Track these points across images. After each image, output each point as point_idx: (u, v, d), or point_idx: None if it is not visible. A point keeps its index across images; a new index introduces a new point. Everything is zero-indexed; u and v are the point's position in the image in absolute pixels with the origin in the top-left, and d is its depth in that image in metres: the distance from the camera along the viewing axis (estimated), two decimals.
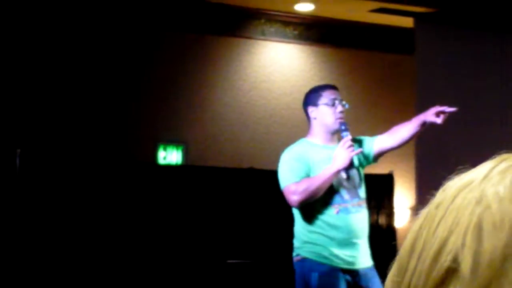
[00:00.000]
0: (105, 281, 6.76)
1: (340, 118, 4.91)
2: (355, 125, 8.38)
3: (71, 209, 6.81)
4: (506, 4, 7.44)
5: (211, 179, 7.33)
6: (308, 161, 4.91)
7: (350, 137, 4.83)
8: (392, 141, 4.97)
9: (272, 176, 7.50)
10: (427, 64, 7.35)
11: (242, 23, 8.19)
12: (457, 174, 0.62)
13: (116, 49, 7.70)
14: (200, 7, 7.93)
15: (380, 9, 7.80)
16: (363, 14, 8.10)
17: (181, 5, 7.88)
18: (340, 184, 4.90)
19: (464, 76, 7.32)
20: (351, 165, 4.89)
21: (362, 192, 4.97)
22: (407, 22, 7.70)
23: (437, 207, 0.60)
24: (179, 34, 7.95)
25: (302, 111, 8.74)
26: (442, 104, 4.91)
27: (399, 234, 7.93)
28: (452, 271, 0.56)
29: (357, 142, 5.01)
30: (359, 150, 4.87)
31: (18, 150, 6.74)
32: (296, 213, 4.99)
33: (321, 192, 4.81)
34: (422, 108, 6.80)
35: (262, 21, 8.28)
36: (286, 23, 8.37)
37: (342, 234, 4.84)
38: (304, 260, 4.89)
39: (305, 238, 4.92)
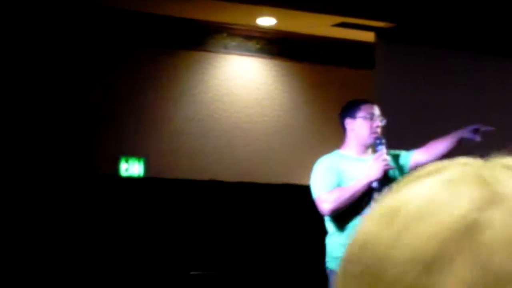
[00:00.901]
0: None
1: (376, 132, 4.99)
2: (315, 139, 8.45)
3: (32, 222, 6.78)
4: (465, 22, 7.55)
5: (173, 191, 7.34)
6: (339, 172, 4.96)
7: (385, 150, 4.91)
8: (428, 156, 5.04)
9: (233, 188, 7.55)
10: (386, 79, 7.43)
11: (205, 37, 8.22)
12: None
13: (78, 63, 7.68)
14: (162, 21, 7.95)
15: (342, 23, 7.87)
16: (325, 28, 8.17)
17: (143, 20, 7.89)
18: (372, 196, 4.93)
19: (422, 92, 7.41)
20: (384, 177, 4.93)
21: None
22: (369, 37, 7.78)
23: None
24: (141, 48, 7.96)
25: (264, 123, 8.76)
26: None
27: None
28: None
29: (393, 156, 5.08)
30: (392, 166, 4.94)
31: None
32: (327, 225, 5.04)
33: (352, 202, 4.86)
34: None
35: (225, 35, 8.31)
36: (248, 37, 8.41)
37: None
38: (332, 271, 4.94)
39: (334, 250, 4.97)
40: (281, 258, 7.30)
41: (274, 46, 8.54)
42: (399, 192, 0.60)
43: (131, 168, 7.87)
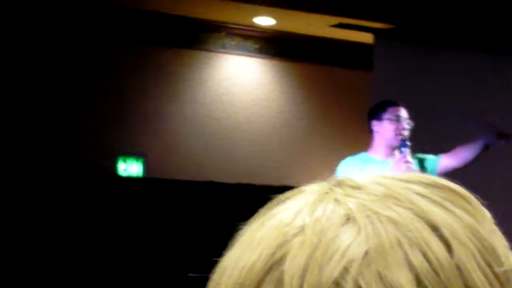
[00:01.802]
0: None
1: (402, 134, 4.98)
2: (313, 140, 8.44)
3: (29, 221, 6.77)
4: (464, 21, 7.54)
5: (171, 192, 7.33)
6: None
7: (408, 152, 4.89)
8: (457, 162, 5.06)
9: (231, 189, 7.54)
10: (384, 80, 7.43)
11: (203, 36, 8.21)
12: None
13: (75, 61, 7.67)
14: (161, 19, 7.95)
15: (340, 24, 7.86)
16: (324, 29, 8.16)
17: (140, 18, 7.88)
18: None
19: (421, 93, 7.40)
20: None
21: None
22: (368, 38, 7.78)
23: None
24: (139, 47, 7.95)
25: (262, 124, 8.77)
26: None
27: None
28: None
29: (419, 159, 5.06)
30: (415, 169, 4.88)
31: None
32: None
33: None
34: None
35: (223, 34, 8.31)
36: (246, 37, 8.40)
37: None
38: None
39: None
40: None
41: (273, 46, 8.53)
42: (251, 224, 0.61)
43: (130, 167, 7.85)
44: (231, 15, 8.03)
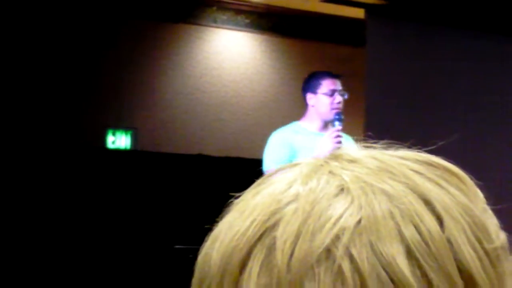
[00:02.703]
0: (50, 265, 6.72)
1: (337, 108, 4.91)
2: (301, 115, 8.44)
3: (16, 193, 6.76)
4: None
5: (160, 165, 7.33)
6: (294, 146, 4.88)
7: (340, 127, 4.82)
8: None
9: (220, 162, 7.54)
10: (378, 57, 7.41)
11: (194, 10, 8.18)
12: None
13: (67, 35, 7.64)
14: None
15: None
16: (315, 4, 8.14)
17: None
18: None
19: (414, 69, 7.40)
20: None
21: None
22: (360, 13, 7.75)
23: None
24: (131, 21, 7.92)
25: (252, 98, 8.74)
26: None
27: None
28: None
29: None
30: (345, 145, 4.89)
31: None
32: None
33: None
34: (371, 100, 6.88)
35: (214, 8, 8.28)
36: (238, 11, 8.38)
37: None
38: None
39: None
40: None
41: (264, 21, 8.50)
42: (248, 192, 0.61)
43: (118, 140, 7.84)
44: None
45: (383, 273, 0.51)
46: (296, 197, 0.55)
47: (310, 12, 8.48)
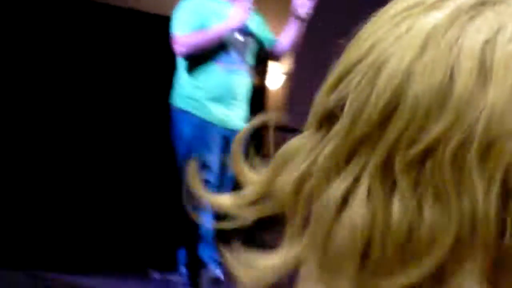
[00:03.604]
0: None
1: None
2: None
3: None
4: None
5: (97, 17, 7.09)
6: (206, 13, 4.85)
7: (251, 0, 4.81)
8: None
9: (156, 20, 7.31)
10: None
11: None
12: None
13: None
14: None
15: None
16: None
17: None
18: (232, 44, 4.87)
19: None
20: (247, 31, 4.90)
21: (250, 59, 4.97)
22: None
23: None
24: None
25: None
26: None
27: (270, 96, 7.91)
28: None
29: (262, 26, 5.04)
30: (251, 16, 4.83)
31: None
32: (180, 63, 4.95)
33: (211, 47, 4.78)
34: None
35: None
36: None
37: (221, 91, 4.85)
38: (179, 110, 4.93)
39: (184, 89, 4.91)
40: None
41: None
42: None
43: None
44: None
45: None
46: None
47: None
